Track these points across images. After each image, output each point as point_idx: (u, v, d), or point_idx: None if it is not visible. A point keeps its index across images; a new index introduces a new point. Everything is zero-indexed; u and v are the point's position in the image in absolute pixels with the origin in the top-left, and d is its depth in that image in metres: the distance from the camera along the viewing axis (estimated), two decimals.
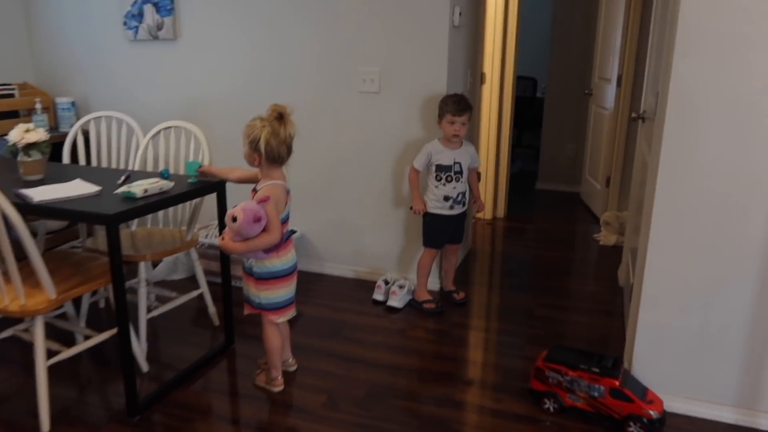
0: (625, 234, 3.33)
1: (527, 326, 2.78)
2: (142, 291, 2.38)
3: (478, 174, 3.10)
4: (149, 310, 2.54)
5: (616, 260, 3.65)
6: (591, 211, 4.72)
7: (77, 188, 2.14)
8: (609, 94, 4.37)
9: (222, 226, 2.41)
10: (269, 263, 2.07)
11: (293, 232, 2.25)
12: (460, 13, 2.98)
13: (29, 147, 2.26)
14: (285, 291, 2.13)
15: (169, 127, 2.73)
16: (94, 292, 2.71)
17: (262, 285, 2.10)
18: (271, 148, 1.97)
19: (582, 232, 4.32)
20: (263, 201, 1.94)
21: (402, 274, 3.21)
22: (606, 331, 2.75)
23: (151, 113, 3.49)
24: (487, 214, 4.52)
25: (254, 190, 2.05)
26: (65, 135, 3.02)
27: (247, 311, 2.19)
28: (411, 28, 2.90)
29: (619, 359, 2.08)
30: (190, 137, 2.69)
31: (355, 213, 3.23)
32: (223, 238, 1.96)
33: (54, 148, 2.75)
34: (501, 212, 4.58)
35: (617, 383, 1.97)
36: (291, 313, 2.19)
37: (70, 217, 2.18)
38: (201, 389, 2.25)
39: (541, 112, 6.27)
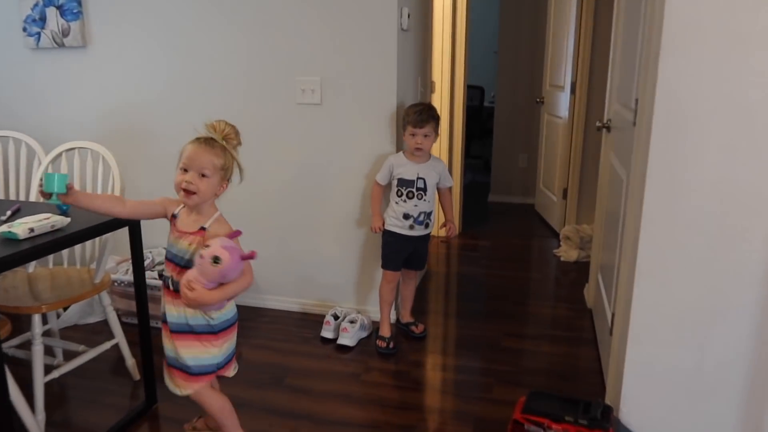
0: (592, 250, 3.11)
1: (494, 361, 2.50)
2: (37, 350, 1.95)
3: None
4: (51, 369, 2.10)
5: (579, 277, 3.43)
6: (548, 223, 4.52)
7: None
8: (562, 102, 4.18)
9: (137, 263, 2.02)
10: (227, 309, 1.72)
11: None
12: (408, 15, 2.69)
13: None
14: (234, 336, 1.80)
15: (73, 149, 2.31)
16: None
17: (222, 338, 1.72)
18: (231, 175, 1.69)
19: (540, 247, 4.10)
20: (236, 235, 1.61)
21: (357, 306, 2.88)
22: (580, 362, 2.50)
23: (60, 131, 3.03)
24: (440, 230, 4.24)
25: (201, 229, 1.65)
26: None
27: (188, 388, 1.74)
28: (355, 32, 2.59)
29: (608, 408, 1.80)
30: (97, 160, 2.29)
31: (299, 238, 2.88)
32: (191, 288, 1.53)
33: None
34: (456, 225, 4.30)
35: None
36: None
37: None
38: None
39: (489, 121, 6.09)
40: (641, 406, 1.84)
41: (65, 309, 2.79)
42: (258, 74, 2.74)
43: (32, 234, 1.65)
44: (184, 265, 1.64)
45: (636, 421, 1.85)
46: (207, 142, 1.61)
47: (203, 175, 1.59)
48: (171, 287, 1.68)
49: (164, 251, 2.90)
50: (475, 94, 6.43)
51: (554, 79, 4.39)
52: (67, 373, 2.19)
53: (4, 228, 1.65)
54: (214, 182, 1.62)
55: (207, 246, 1.53)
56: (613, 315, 2.11)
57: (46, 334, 2.40)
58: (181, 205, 1.69)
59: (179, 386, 1.73)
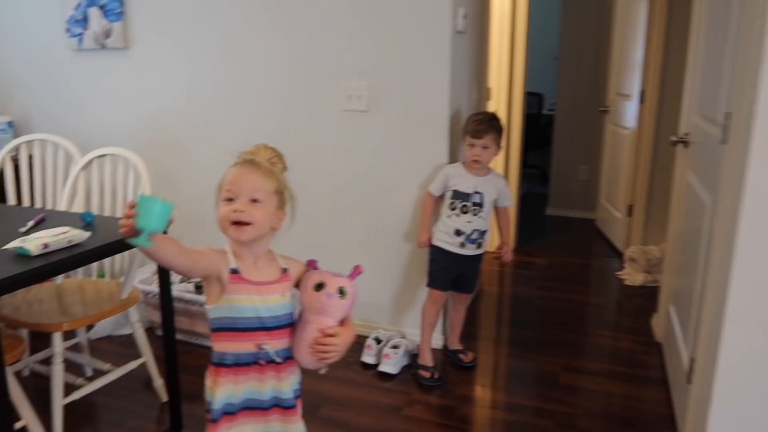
0: (662, 275, 2.80)
1: (551, 400, 2.24)
2: (56, 370, 1.83)
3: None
4: (75, 388, 1.99)
5: (646, 305, 3.12)
6: (610, 241, 4.20)
7: None
8: (629, 112, 3.86)
9: (164, 280, 1.88)
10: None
11: None
12: (463, 16, 2.48)
13: None
14: None
15: (104, 155, 2.20)
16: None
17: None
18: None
19: (602, 267, 3.79)
20: (356, 274, 1.33)
21: (395, 327, 2.67)
22: (648, 406, 2.21)
23: (98, 135, 2.97)
24: (494, 245, 3.99)
25: (285, 272, 1.32)
26: None
27: None
28: (406, 33, 2.39)
29: None
30: (128, 168, 2.17)
31: (341, 252, 2.69)
32: (332, 334, 1.26)
33: None
34: (511, 242, 4.04)
35: None
36: None
37: None
38: None
39: (547, 129, 5.78)
40: None
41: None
42: (302, 79, 2.58)
43: (46, 250, 1.52)
44: (286, 324, 1.30)
45: None
46: (251, 163, 1.28)
47: (255, 201, 1.24)
48: (273, 359, 1.28)
49: None
50: (533, 101, 6.13)
51: (620, 87, 4.07)
52: (97, 392, 2.08)
53: (17, 243, 1.53)
54: (270, 210, 1.26)
55: (322, 283, 1.27)
56: (692, 360, 1.83)
57: (75, 348, 2.30)
58: (231, 255, 1.27)
59: None
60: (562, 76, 4.78)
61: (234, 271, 1.25)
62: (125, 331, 2.73)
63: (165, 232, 1.17)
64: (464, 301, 2.50)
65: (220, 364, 1.28)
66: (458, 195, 2.29)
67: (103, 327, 2.69)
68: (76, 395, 1.91)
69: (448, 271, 2.36)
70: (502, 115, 3.68)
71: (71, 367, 2.29)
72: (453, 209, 2.30)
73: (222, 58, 2.69)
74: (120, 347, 2.58)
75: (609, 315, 3.08)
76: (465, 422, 2.12)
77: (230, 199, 1.25)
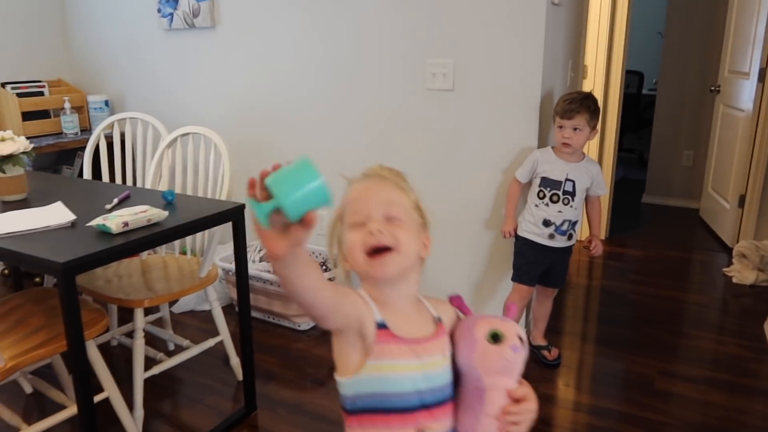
0: None
1: (643, 407, 2.06)
2: (138, 344, 1.87)
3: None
4: (156, 362, 2.03)
5: (757, 307, 2.82)
6: (716, 235, 3.84)
7: (50, 216, 1.66)
8: (745, 92, 3.48)
9: (240, 259, 1.86)
10: None
11: None
12: None
13: (4, 160, 1.80)
14: None
15: (187, 134, 2.21)
16: None
17: None
18: None
19: (705, 263, 3.48)
20: (511, 312, 1.03)
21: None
22: (756, 421, 1.98)
23: (187, 114, 3.02)
24: (584, 233, 3.76)
25: (439, 322, 0.98)
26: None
27: None
28: (496, 5, 2.23)
29: None
30: (210, 146, 2.17)
31: (442, 242, 2.59)
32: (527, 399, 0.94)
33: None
34: (602, 232, 3.77)
35: None
36: None
37: (11, 260, 1.70)
38: None
39: (647, 111, 5.38)
40: None
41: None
42: (385, 56, 2.48)
43: (126, 228, 1.53)
44: (448, 398, 0.95)
45: None
46: (376, 176, 1.01)
47: (392, 219, 0.94)
48: None
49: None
50: (632, 80, 5.71)
51: (735, 64, 3.68)
52: (177, 366, 2.12)
53: (99, 220, 1.55)
54: (413, 230, 0.96)
55: (498, 334, 0.93)
56: None
57: (158, 322, 2.36)
58: (373, 303, 0.94)
59: None
60: (667, 53, 4.41)
61: (381, 326, 0.91)
62: (207, 307, 2.79)
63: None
64: (551, 295, 2.35)
65: None
66: (548, 182, 2.12)
67: (187, 302, 2.75)
68: (156, 370, 1.94)
69: (535, 265, 2.20)
70: (598, 95, 3.44)
71: (154, 341, 2.37)
72: (542, 198, 2.14)
73: (306, 37, 2.64)
74: (201, 323, 2.63)
75: (712, 315, 2.80)
76: (546, 424, 1.98)
77: (360, 224, 0.94)
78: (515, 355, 0.93)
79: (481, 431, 0.93)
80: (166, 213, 1.64)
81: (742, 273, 3.14)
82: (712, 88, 4.01)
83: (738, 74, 3.63)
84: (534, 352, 2.38)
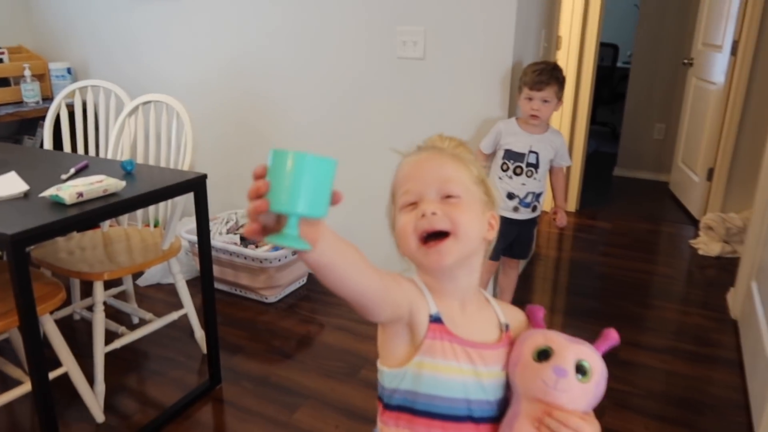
0: (744, 246, 2.54)
1: (610, 378, 2.07)
2: (98, 318, 1.82)
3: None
4: (118, 336, 1.99)
5: (721, 278, 2.87)
6: (684, 207, 3.89)
7: (1, 187, 1.59)
8: (718, 65, 3.49)
9: (202, 231, 1.81)
10: None
11: None
12: None
13: None
14: None
15: (149, 102, 2.14)
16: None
17: None
18: None
19: (673, 235, 3.52)
20: (610, 343, 0.87)
21: None
22: (718, 390, 2.02)
23: (154, 82, 2.92)
24: (549, 204, 3.77)
25: (505, 330, 0.88)
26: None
27: None
28: None
29: None
30: (172, 115, 2.10)
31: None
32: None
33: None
34: (572, 204, 3.82)
35: None
36: None
37: None
38: None
39: (621, 84, 5.39)
40: None
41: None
42: (354, 24, 2.42)
43: (81, 199, 1.47)
44: (499, 415, 0.84)
45: None
46: (432, 149, 0.88)
47: (450, 197, 0.81)
48: None
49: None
50: (607, 53, 5.70)
51: (709, 36, 3.68)
52: (141, 339, 2.09)
53: (52, 190, 1.49)
54: (476, 209, 0.84)
55: (548, 350, 0.81)
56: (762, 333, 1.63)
57: (121, 296, 2.31)
58: (429, 293, 0.84)
59: None
60: (642, 25, 4.39)
61: (435, 320, 0.81)
62: (172, 280, 2.74)
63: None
64: (516, 266, 2.35)
65: None
66: (511, 155, 2.10)
67: (152, 275, 2.70)
68: (117, 344, 1.90)
69: (500, 238, 2.19)
70: (571, 67, 3.42)
71: (119, 314, 2.32)
72: (505, 170, 2.12)
73: (274, 3, 2.55)
74: (167, 296, 2.58)
75: (678, 287, 2.84)
76: None
77: (412, 204, 0.82)
78: (557, 380, 0.77)
79: None
80: (123, 183, 1.58)
81: (708, 245, 3.18)
82: (685, 61, 4.01)
83: (711, 47, 3.63)
84: None
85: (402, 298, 0.78)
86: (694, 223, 3.58)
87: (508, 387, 0.84)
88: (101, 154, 2.36)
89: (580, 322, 2.47)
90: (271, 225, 0.62)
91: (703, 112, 3.65)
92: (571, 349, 0.80)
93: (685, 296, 2.74)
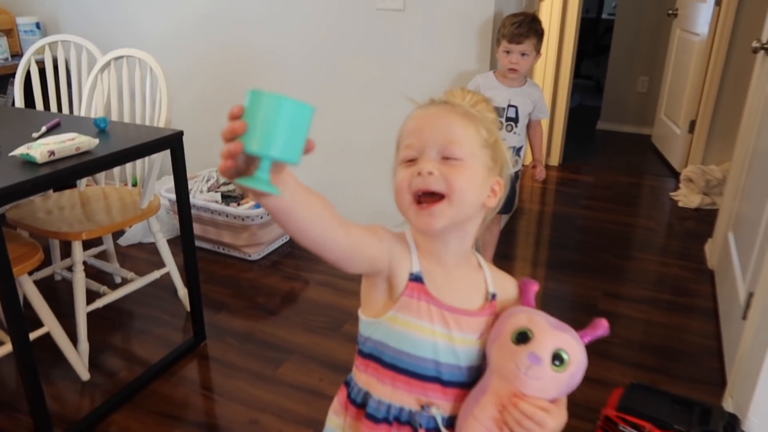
0: (723, 198, 2.57)
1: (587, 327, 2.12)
2: (78, 278, 1.81)
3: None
4: (100, 296, 1.98)
5: (700, 229, 2.91)
6: (666, 160, 3.91)
7: None
8: (702, 15, 3.45)
9: (180, 188, 1.79)
10: None
11: None
12: None
13: None
14: None
15: (121, 57, 2.07)
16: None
17: None
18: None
19: (654, 188, 3.55)
20: (599, 332, 0.86)
21: None
22: (693, 338, 2.08)
23: (127, 36, 2.83)
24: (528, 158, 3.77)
25: (492, 299, 0.86)
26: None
27: None
28: None
29: (734, 420, 1.42)
30: (146, 70, 2.04)
31: (370, 165, 2.55)
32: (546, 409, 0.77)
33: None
34: (555, 159, 3.82)
35: None
36: None
37: None
38: (156, 409, 1.71)
39: (606, 36, 5.33)
40: None
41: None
42: None
43: (53, 158, 1.44)
44: (469, 381, 0.84)
45: None
46: (444, 104, 0.83)
47: (449, 159, 0.78)
48: (440, 429, 0.82)
49: None
50: (592, 4, 5.63)
51: None
52: (125, 299, 2.08)
53: (23, 149, 1.45)
54: (478, 173, 0.79)
55: (527, 333, 0.78)
56: (750, 295, 1.66)
57: (102, 256, 2.29)
58: (415, 251, 0.83)
59: None
60: None
61: (416, 278, 0.81)
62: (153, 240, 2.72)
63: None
64: (498, 221, 2.36)
65: (357, 404, 0.86)
66: None
67: (134, 234, 2.68)
68: (99, 303, 1.89)
69: None
70: (555, 18, 3.37)
71: (101, 274, 2.31)
72: None
73: None
74: (150, 255, 2.57)
75: (658, 239, 2.88)
76: None
77: (412, 160, 0.80)
78: (529, 366, 0.76)
79: (463, 429, 0.80)
80: (96, 141, 1.55)
81: (687, 197, 3.22)
82: (670, 11, 3.96)
83: None
84: None
85: (380, 253, 0.77)
86: (676, 175, 3.61)
87: (484, 357, 0.83)
88: (75, 112, 2.30)
89: (561, 275, 2.51)
90: (241, 167, 0.61)
91: (686, 65, 3.63)
92: (552, 337, 0.78)
93: (665, 248, 2.78)
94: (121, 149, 1.57)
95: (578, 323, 2.04)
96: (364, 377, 0.85)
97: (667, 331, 2.11)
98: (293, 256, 2.59)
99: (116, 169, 2.12)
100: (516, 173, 2.21)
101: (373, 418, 0.83)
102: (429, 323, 0.80)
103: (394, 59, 2.35)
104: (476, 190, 0.79)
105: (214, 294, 2.29)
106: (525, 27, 1.96)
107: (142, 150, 1.64)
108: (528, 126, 2.18)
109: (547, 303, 2.31)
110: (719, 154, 3.45)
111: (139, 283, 2.02)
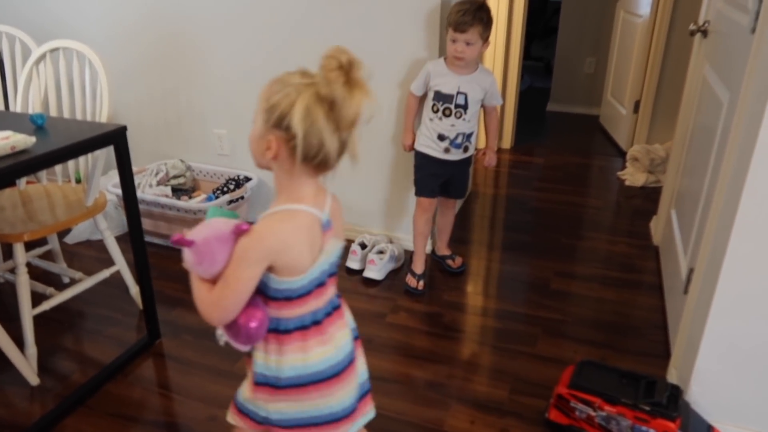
0: (666, 176, 2.66)
1: (541, 306, 2.18)
2: (22, 280, 1.74)
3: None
4: (46, 297, 1.92)
5: (645, 206, 3.01)
6: (613, 140, 4.01)
7: None
8: None
9: (126, 183, 1.74)
10: (273, 362, 1.06)
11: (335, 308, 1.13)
12: None
13: None
14: (315, 403, 1.07)
15: (57, 49, 1.99)
16: None
17: (258, 392, 1.09)
18: (316, 136, 0.95)
19: (602, 167, 3.64)
20: (241, 232, 0.99)
21: (388, 232, 2.58)
22: (640, 312, 2.16)
23: (62, 26, 2.72)
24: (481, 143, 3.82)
25: None
26: None
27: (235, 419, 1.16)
28: None
29: (676, 391, 1.48)
30: (84, 63, 1.96)
31: None
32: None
33: None
34: (507, 142, 3.88)
35: (675, 427, 1.39)
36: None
37: None
38: (111, 411, 1.68)
39: (553, 18, 5.40)
40: (719, 389, 1.51)
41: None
42: None
43: None
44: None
45: (710, 405, 1.53)
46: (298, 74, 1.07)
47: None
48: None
49: (180, 163, 2.67)
50: None
51: None
52: (75, 299, 2.02)
53: None
54: (257, 132, 1.02)
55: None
56: (691, 270, 1.73)
57: (48, 256, 2.22)
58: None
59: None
60: None
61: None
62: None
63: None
64: (452, 206, 2.38)
65: (285, 331, 1.05)
66: (440, 96, 2.08)
67: (81, 231, 2.60)
68: (46, 305, 1.83)
69: (434, 177, 2.21)
70: (503, 1, 3.39)
71: (48, 275, 2.24)
72: (435, 112, 2.10)
73: None
74: (99, 252, 2.50)
75: (606, 218, 2.97)
76: (450, 329, 2.07)
77: None
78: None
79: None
80: (33, 139, 1.48)
81: (633, 175, 3.32)
82: None
83: None
84: (439, 262, 2.45)
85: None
86: (623, 155, 3.71)
87: None
88: (10, 108, 2.20)
89: (515, 257, 2.56)
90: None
91: (630, 46, 3.72)
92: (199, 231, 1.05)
93: (613, 226, 2.87)
94: (60, 147, 1.51)
95: (533, 304, 2.11)
96: (274, 312, 1.04)
97: (616, 308, 2.18)
98: None
99: (58, 166, 2.04)
100: (468, 159, 2.23)
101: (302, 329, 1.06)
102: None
103: (335, 44, 2.33)
104: (254, 143, 1.01)
105: (169, 290, 2.24)
106: (469, 15, 1.94)
107: (84, 147, 1.59)
108: (484, 112, 2.20)
109: (502, 284, 2.36)
110: (663, 134, 3.56)
111: (89, 282, 1.96)
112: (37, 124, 1.65)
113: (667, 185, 2.60)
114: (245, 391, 1.12)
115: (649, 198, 3.11)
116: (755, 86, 1.36)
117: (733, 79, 1.60)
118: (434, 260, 2.47)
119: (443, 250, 2.45)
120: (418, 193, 2.24)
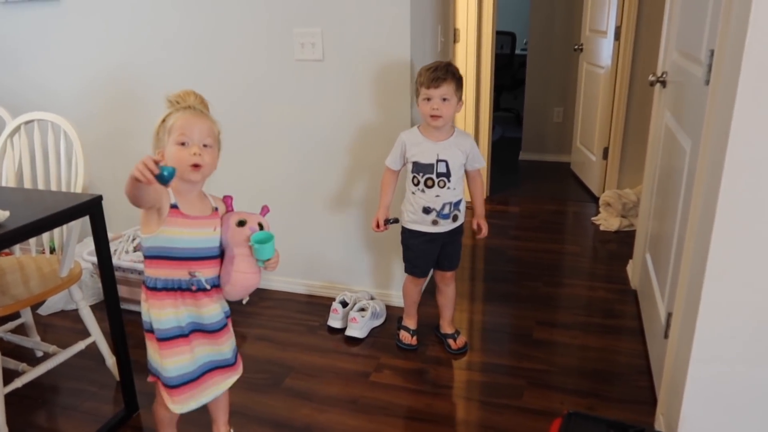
0: (638, 220, 2.71)
1: (524, 357, 2.17)
2: None
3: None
4: (18, 374, 1.85)
5: (621, 250, 3.06)
6: (585, 185, 4.11)
7: None
8: (604, 50, 3.70)
9: (102, 252, 1.73)
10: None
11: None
12: None
13: None
14: (170, 361, 1.45)
15: (32, 121, 2.00)
16: None
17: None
18: None
19: (577, 213, 3.71)
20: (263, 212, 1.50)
21: (375, 289, 2.56)
22: (623, 358, 2.16)
23: (37, 96, 2.74)
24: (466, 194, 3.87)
25: (215, 210, 1.47)
26: None
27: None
28: None
29: None
30: (59, 134, 1.97)
31: (305, 212, 2.54)
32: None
33: None
34: (483, 192, 3.92)
35: None
36: (181, 402, 1.47)
37: None
38: None
39: (520, 70, 5.59)
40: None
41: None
42: (250, 26, 2.36)
43: None
44: (214, 255, 1.44)
45: None
46: (198, 111, 1.41)
47: (206, 146, 1.37)
48: (204, 286, 1.42)
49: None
50: (505, 41, 5.91)
51: (595, 23, 3.89)
52: (48, 374, 1.96)
53: None
54: (216, 154, 1.41)
55: (244, 221, 1.42)
56: (669, 315, 1.75)
57: (20, 330, 2.16)
58: (172, 193, 1.37)
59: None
60: (535, 13, 4.57)
61: (174, 206, 1.35)
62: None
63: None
64: (450, 280, 2.22)
65: (154, 288, 1.39)
66: (419, 167, 1.98)
67: (55, 301, 2.54)
68: (18, 382, 1.77)
69: (425, 255, 2.11)
70: (471, 56, 3.51)
71: (19, 349, 2.17)
72: (416, 184, 2.00)
73: (164, 6, 2.45)
74: (74, 322, 2.44)
75: (584, 263, 3.00)
76: (435, 386, 2.04)
77: (183, 144, 1.34)
78: (251, 234, 1.40)
79: (232, 284, 1.42)
80: (7, 213, 1.47)
81: (607, 220, 3.38)
82: (576, 46, 4.22)
83: (597, 33, 3.84)
84: (440, 337, 2.31)
85: (156, 198, 1.31)
86: (595, 200, 3.79)
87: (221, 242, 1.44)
88: None
89: (496, 307, 2.56)
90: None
91: (595, 95, 3.86)
92: (254, 218, 1.43)
93: (591, 271, 2.90)
94: (35, 220, 1.50)
95: (517, 355, 2.09)
96: (152, 270, 1.39)
97: (600, 354, 2.18)
98: None
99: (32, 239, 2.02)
100: (458, 228, 2.13)
101: (160, 290, 1.39)
102: (185, 228, 1.37)
103: (316, 109, 2.38)
104: (216, 162, 1.41)
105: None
106: (441, 71, 1.91)
107: (59, 219, 1.58)
108: (467, 177, 2.10)
109: (485, 336, 2.35)
110: (633, 178, 3.66)
111: (63, 356, 1.91)
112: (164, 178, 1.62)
113: (640, 229, 2.65)
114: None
115: (623, 242, 3.16)
116: (714, 135, 1.41)
117: (694, 127, 1.67)
118: (436, 335, 2.32)
119: (446, 329, 2.28)
120: (410, 272, 2.16)
